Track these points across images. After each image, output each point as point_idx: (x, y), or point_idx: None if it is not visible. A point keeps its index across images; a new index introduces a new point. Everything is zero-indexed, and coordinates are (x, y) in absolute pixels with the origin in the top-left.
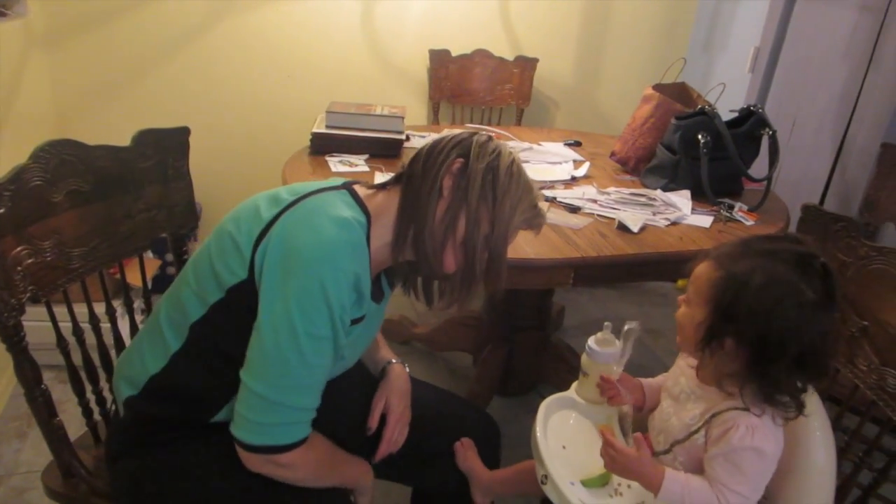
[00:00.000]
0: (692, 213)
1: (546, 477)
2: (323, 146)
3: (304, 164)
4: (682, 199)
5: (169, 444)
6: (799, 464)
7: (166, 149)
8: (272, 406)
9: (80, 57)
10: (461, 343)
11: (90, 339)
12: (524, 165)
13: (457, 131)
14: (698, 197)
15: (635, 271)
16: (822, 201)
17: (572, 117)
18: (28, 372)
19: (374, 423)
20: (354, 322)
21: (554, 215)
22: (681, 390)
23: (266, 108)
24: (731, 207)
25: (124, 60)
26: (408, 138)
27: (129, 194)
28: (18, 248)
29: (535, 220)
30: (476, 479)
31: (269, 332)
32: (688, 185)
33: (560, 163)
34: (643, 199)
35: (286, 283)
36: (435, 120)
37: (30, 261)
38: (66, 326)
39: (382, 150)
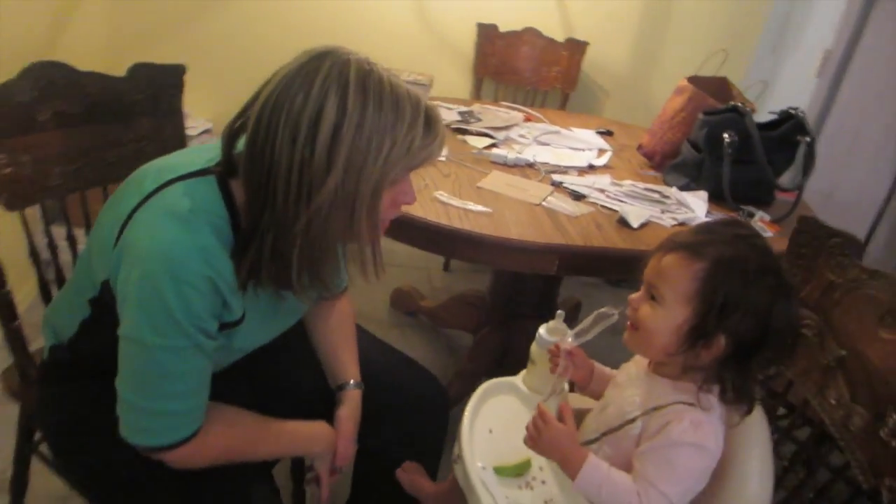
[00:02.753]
0: (706, 216)
1: (459, 457)
2: None
3: None
4: (697, 201)
5: (87, 388)
6: (733, 472)
7: (161, 85)
8: (142, 412)
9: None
10: (464, 322)
11: (66, 257)
12: (543, 148)
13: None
14: (719, 201)
15: (623, 267)
16: (873, 227)
17: (621, 107)
18: None
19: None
20: (231, 325)
21: (555, 200)
22: (626, 377)
23: None
24: (751, 216)
25: (179, 4)
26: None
27: (118, 123)
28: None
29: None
30: (427, 498)
31: (124, 344)
32: (710, 187)
33: (583, 150)
34: (655, 196)
35: (131, 294)
36: (476, 95)
37: (7, 170)
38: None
39: None
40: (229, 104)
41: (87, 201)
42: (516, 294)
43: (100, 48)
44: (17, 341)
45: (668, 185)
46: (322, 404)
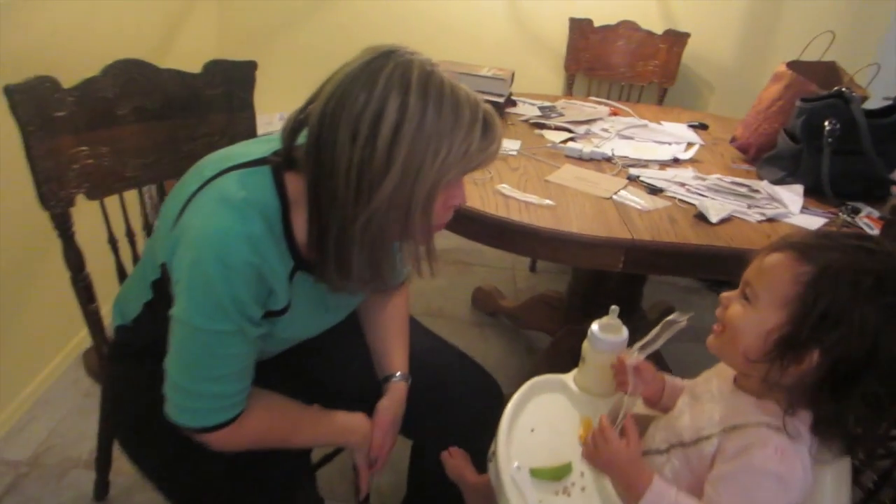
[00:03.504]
0: (802, 212)
1: (493, 453)
2: None
3: None
4: (791, 195)
5: (147, 368)
6: None
7: (233, 80)
8: (187, 393)
9: (249, 5)
10: (542, 322)
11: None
12: (625, 142)
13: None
14: (818, 195)
15: (695, 264)
16: None
17: (725, 102)
18: (73, 258)
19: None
20: (276, 314)
21: (628, 194)
22: (706, 389)
23: None
24: (856, 212)
25: (288, 7)
26: (513, 103)
27: (193, 118)
28: (77, 149)
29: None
30: (467, 488)
31: (175, 325)
32: (809, 181)
33: (669, 143)
34: (743, 190)
35: (183, 277)
36: (568, 92)
37: (88, 161)
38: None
39: None
40: None
41: (162, 192)
42: (595, 294)
43: (210, 49)
44: (95, 324)
45: (763, 179)
46: (369, 401)
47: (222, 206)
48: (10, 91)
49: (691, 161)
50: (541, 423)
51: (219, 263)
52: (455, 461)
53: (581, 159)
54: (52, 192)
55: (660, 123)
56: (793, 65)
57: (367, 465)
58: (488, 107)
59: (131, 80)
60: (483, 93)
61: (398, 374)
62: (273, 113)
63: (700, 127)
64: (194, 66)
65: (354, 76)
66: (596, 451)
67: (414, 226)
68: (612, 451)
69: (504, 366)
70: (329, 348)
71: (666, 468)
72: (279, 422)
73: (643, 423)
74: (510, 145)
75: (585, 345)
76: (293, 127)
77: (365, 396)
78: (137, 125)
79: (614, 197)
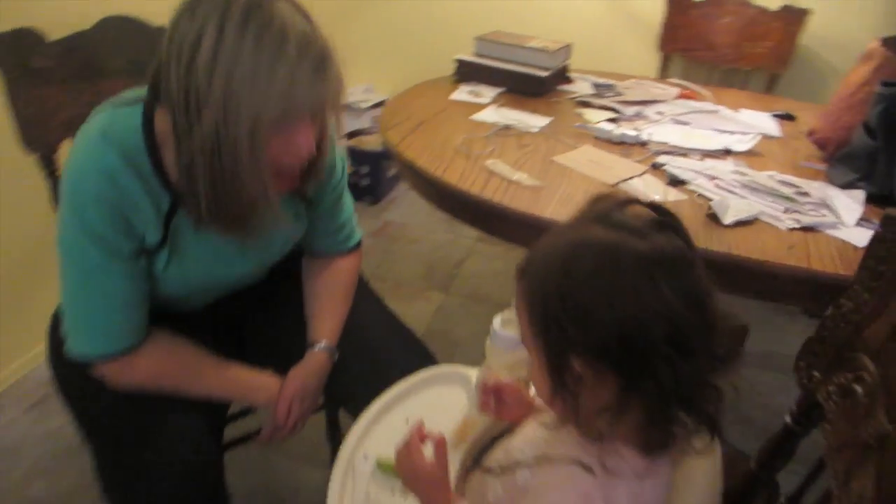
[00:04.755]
0: (859, 224)
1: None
2: (466, 74)
3: (431, 87)
4: (848, 202)
5: None
6: None
7: None
8: (73, 319)
9: None
10: None
11: None
12: (676, 127)
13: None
14: (892, 206)
15: None
16: None
17: None
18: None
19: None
20: (152, 251)
21: (640, 182)
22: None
23: None
24: None
25: None
26: (567, 79)
27: None
28: (62, 98)
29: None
30: None
31: (57, 252)
32: (882, 188)
33: (731, 133)
34: (788, 191)
35: (59, 208)
36: (663, 75)
37: (73, 111)
38: None
39: (520, 85)
40: (409, 79)
41: None
42: None
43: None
44: None
45: (833, 182)
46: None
47: (82, 142)
48: None
49: (747, 154)
50: (421, 414)
51: (73, 196)
52: None
53: (611, 141)
54: (34, 136)
55: (737, 111)
56: (889, 42)
57: (269, 428)
58: (327, 47)
59: (123, 34)
60: (525, 65)
61: (322, 343)
62: (358, 84)
63: (785, 117)
64: None
65: (185, 6)
66: (399, 465)
67: (243, 166)
68: (415, 468)
69: None
70: (272, 309)
71: (490, 494)
72: (178, 364)
73: (489, 433)
74: (533, 121)
75: (488, 342)
76: (156, 62)
77: (291, 361)
78: (128, 80)
79: (621, 185)
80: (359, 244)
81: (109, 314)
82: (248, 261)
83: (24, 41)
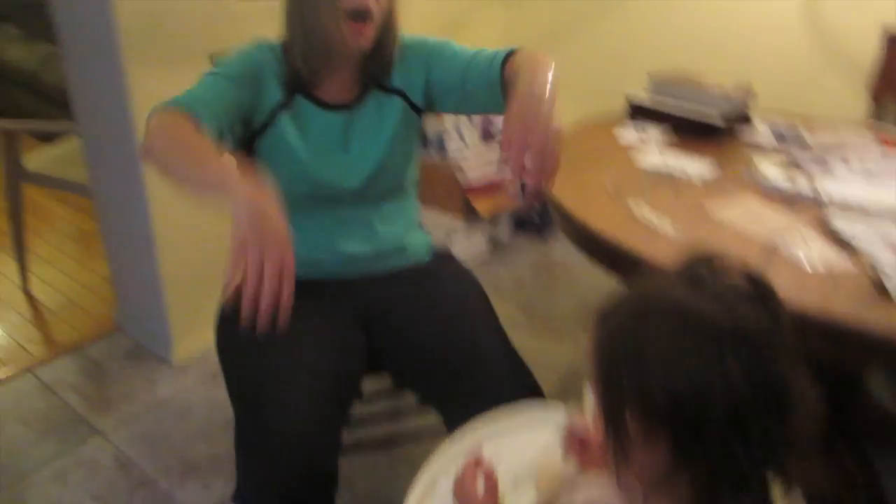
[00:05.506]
0: None
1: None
2: (635, 111)
3: (596, 123)
4: None
5: None
6: None
7: None
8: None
9: (533, 10)
10: None
11: None
12: (865, 181)
13: None
14: None
15: (845, 348)
16: None
17: None
18: None
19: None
20: (260, 130)
21: (795, 241)
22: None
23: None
24: None
25: (569, 15)
26: (748, 120)
27: None
28: None
29: None
30: None
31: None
32: None
33: None
34: None
35: None
36: (873, 120)
37: None
38: None
39: (692, 128)
40: (578, 109)
41: None
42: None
43: None
44: None
45: None
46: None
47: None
48: None
49: None
50: (506, 460)
51: (226, 57)
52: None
53: (780, 194)
54: None
55: None
56: None
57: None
58: None
59: None
60: (700, 105)
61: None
62: None
63: None
64: None
65: None
66: (455, 491)
67: (322, 10)
68: (468, 496)
69: None
70: (398, 319)
71: None
72: (186, 136)
73: (562, 482)
74: (697, 167)
75: (586, 383)
76: None
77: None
78: None
79: (773, 244)
80: (513, 51)
81: (197, 93)
82: (352, 160)
83: None
